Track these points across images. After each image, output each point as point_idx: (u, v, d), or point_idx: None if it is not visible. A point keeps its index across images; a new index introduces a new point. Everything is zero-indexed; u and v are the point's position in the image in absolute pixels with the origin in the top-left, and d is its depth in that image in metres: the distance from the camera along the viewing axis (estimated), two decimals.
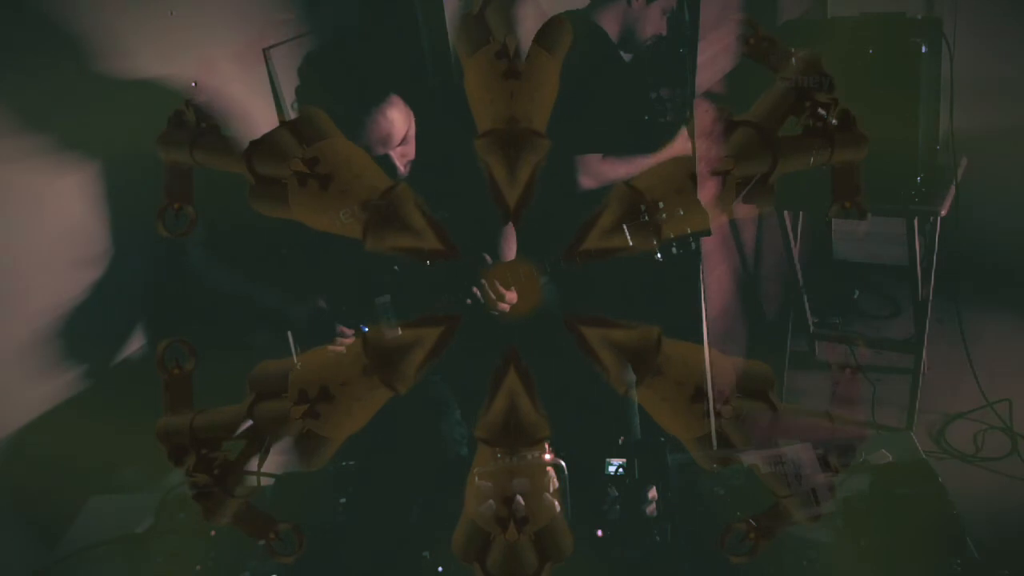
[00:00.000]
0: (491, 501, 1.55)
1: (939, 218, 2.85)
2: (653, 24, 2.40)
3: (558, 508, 1.58)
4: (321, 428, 1.61)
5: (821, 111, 1.51)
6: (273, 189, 1.58)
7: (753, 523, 1.55)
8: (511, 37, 1.57)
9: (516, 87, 1.59)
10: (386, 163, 2.01)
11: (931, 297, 2.99)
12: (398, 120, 2.00)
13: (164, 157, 1.61)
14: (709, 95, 2.93)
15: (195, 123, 1.61)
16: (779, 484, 1.55)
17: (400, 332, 1.65)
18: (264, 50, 2.23)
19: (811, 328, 3.50)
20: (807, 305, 3.46)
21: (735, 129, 1.54)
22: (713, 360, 1.58)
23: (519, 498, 1.54)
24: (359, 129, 1.97)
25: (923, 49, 2.69)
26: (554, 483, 1.59)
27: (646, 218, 1.56)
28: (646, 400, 1.62)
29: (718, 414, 1.56)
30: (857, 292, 3.91)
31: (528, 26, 1.64)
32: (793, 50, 1.53)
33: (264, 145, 1.58)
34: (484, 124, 1.60)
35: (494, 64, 1.59)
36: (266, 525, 1.64)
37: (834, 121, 1.52)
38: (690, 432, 1.59)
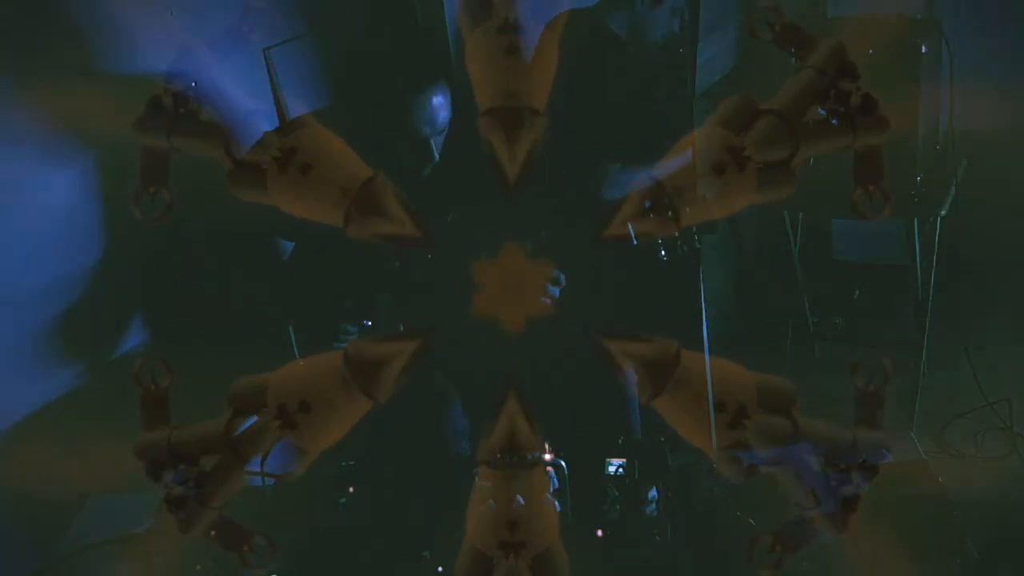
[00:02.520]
0: (491, 501, 1.55)
1: (939, 218, 2.85)
2: (663, 23, 2.40)
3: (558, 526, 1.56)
4: (299, 439, 1.60)
5: (846, 87, 1.48)
6: (252, 174, 1.57)
7: (777, 536, 1.54)
8: (513, 11, 1.56)
9: (517, 63, 1.58)
10: (425, 147, 2.03)
11: (931, 297, 2.99)
12: (444, 108, 2.02)
13: (141, 141, 1.60)
14: (709, 95, 2.93)
15: (173, 109, 1.61)
16: (805, 498, 1.54)
17: (401, 328, 1.65)
18: (264, 50, 2.23)
19: (811, 328, 3.49)
20: (807, 305, 3.46)
21: (759, 118, 1.51)
22: (734, 374, 1.57)
23: (519, 499, 1.54)
24: (412, 105, 2.00)
25: (923, 49, 2.69)
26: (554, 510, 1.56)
27: (652, 215, 1.55)
28: (667, 411, 1.60)
29: (743, 426, 1.54)
30: (857, 292, 3.90)
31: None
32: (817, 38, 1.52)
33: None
34: (485, 101, 1.59)
35: (496, 40, 1.58)
36: (241, 537, 1.63)
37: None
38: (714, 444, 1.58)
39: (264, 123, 1.70)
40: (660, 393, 1.58)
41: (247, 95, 1.74)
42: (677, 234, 2.23)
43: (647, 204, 1.56)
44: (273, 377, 1.61)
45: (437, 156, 2.04)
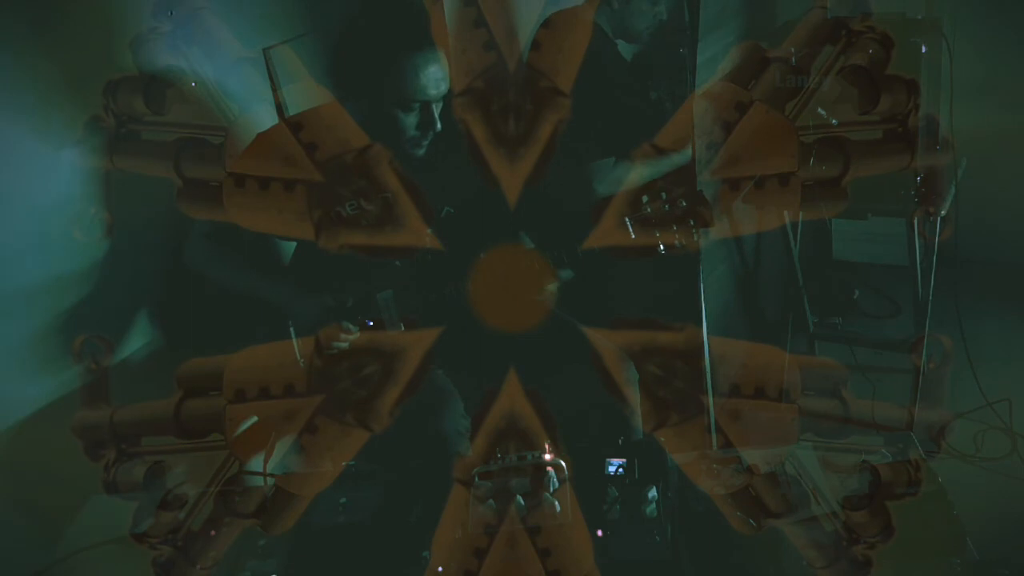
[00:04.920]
0: (491, 501, 1.55)
1: (939, 218, 2.85)
2: (643, 16, 2.39)
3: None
4: (290, 483, 1.58)
5: (858, 28, 1.42)
6: (204, 191, 1.56)
7: None
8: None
9: (489, 35, 1.54)
10: (427, 113, 1.95)
11: (931, 297, 2.99)
12: (445, 78, 1.94)
13: (79, 163, 1.60)
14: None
15: (114, 128, 1.59)
16: (816, 555, 1.52)
17: (403, 328, 1.65)
18: (264, 50, 2.22)
19: (811, 328, 3.49)
20: (807, 305, 3.46)
21: (767, 67, 1.47)
22: (774, 358, 1.55)
23: (519, 499, 1.54)
24: (412, 69, 1.90)
25: (923, 49, 2.69)
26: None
27: (648, 210, 1.53)
28: (671, 443, 1.59)
29: (752, 471, 1.53)
30: (857, 292, 3.90)
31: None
32: None
33: (194, 148, 1.55)
34: (459, 79, 1.55)
35: (463, 12, 1.55)
36: None
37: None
38: (722, 487, 1.56)
39: (253, 70, 1.66)
40: (664, 423, 1.57)
41: (237, 40, 1.71)
42: (675, 228, 2.23)
43: (644, 201, 1.55)
44: (231, 361, 1.59)
45: (439, 125, 1.98)
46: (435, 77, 1.93)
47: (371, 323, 2.04)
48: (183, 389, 1.60)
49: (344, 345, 2.06)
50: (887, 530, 1.53)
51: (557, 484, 1.71)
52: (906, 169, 1.48)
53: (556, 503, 1.69)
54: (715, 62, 2.96)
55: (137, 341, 2.18)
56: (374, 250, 1.59)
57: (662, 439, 1.60)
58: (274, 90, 2.24)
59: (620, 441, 1.91)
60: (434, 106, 1.95)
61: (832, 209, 1.50)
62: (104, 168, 1.59)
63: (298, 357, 2.12)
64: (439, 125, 1.96)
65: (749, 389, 1.55)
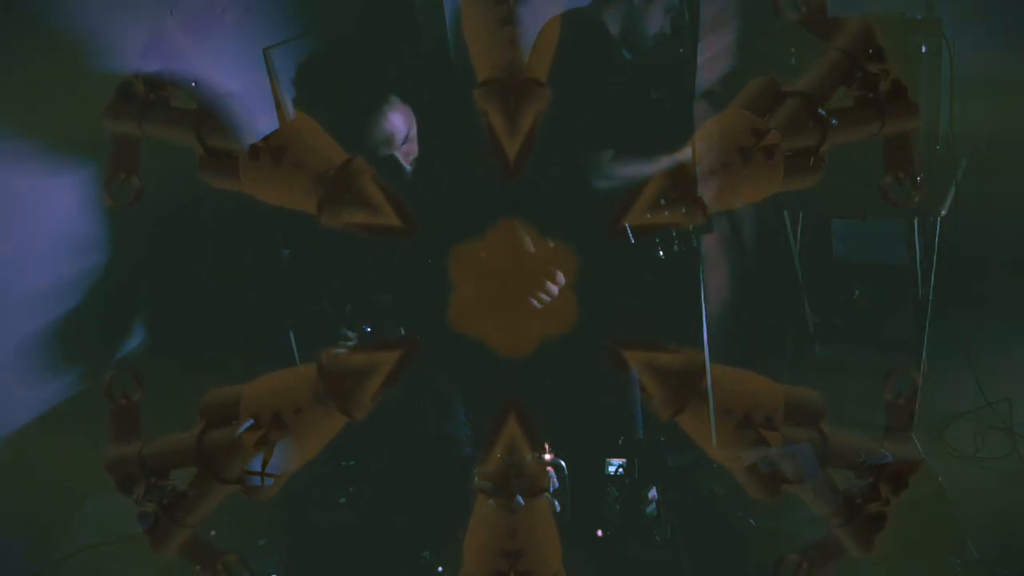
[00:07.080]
0: (491, 501, 1.55)
1: (939, 218, 2.85)
2: (655, 22, 2.40)
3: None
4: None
5: (872, 70, 1.45)
6: (223, 162, 1.57)
7: (805, 555, 1.53)
8: None
9: (515, 33, 1.57)
10: (392, 163, 2.00)
11: (931, 297, 2.99)
12: (399, 122, 2.00)
13: (111, 128, 1.60)
14: (709, 95, 2.93)
15: (144, 95, 1.60)
16: (831, 513, 1.52)
17: (402, 331, 1.65)
18: (264, 50, 2.23)
19: (811, 328, 3.49)
20: (807, 305, 3.46)
21: (783, 100, 1.49)
22: (761, 387, 1.56)
23: (519, 498, 1.54)
24: (362, 132, 1.97)
25: (923, 49, 2.69)
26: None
27: (677, 202, 1.53)
28: (691, 427, 1.60)
29: (764, 441, 1.53)
30: (857, 292, 3.90)
31: None
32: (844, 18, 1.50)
33: (216, 117, 1.57)
34: (483, 72, 1.58)
35: (493, 9, 1.57)
36: (213, 556, 1.63)
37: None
38: (738, 460, 1.57)
39: (238, 105, 1.69)
40: (683, 410, 1.57)
41: (222, 76, 1.73)
42: (674, 233, 2.23)
43: (673, 188, 1.55)
44: (247, 389, 1.60)
45: (408, 168, 2.02)
46: (385, 134, 1.95)
47: (368, 329, 2.04)
48: (205, 419, 1.61)
49: (342, 351, 2.06)
50: (900, 484, 1.53)
51: (557, 484, 1.72)
52: (876, 135, 1.49)
53: (556, 503, 1.69)
54: (715, 62, 2.97)
55: (130, 344, 2.19)
56: (376, 229, 1.61)
57: (683, 425, 1.60)
58: (274, 90, 2.25)
59: (620, 441, 1.91)
60: (398, 154, 1.97)
61: (811, 179, 1.51)
62: (134, 134, 1.60)
63: (297, 360, 2.13)
64: (408, 168, 1.99)
65: (739, 414, 1.56)
